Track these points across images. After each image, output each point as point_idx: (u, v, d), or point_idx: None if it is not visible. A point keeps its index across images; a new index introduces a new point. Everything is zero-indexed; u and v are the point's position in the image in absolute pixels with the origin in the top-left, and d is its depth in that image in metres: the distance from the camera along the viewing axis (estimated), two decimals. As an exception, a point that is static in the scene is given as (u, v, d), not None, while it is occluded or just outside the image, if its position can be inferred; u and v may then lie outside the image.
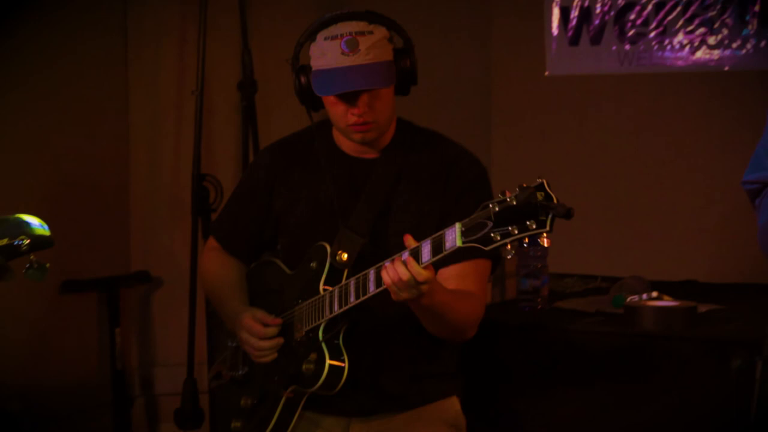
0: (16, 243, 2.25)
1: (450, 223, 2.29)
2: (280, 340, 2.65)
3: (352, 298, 2.47)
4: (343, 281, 2.56)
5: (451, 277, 2.57)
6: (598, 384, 3.33)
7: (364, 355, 2.61)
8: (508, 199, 2.16)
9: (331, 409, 2.67)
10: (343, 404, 2.65)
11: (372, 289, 2.43)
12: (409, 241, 2.33)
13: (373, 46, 2.52)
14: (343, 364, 2.53)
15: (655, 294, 3.50)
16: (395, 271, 2.31)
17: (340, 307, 2.51)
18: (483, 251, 2.24)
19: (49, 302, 4.12)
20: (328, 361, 2.53)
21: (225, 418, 2.79)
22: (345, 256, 2.56)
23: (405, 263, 2.30)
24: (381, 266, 2.39)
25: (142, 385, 4.49)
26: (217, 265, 2.87)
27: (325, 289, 2.56)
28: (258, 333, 2.65)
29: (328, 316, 2.54)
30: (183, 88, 4.32)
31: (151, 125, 4.40)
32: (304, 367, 2.58)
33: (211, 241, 2.90)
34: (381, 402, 2.66)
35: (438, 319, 2.49)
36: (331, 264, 2.57)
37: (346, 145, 2.69)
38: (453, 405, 2.73)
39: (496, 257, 2.58)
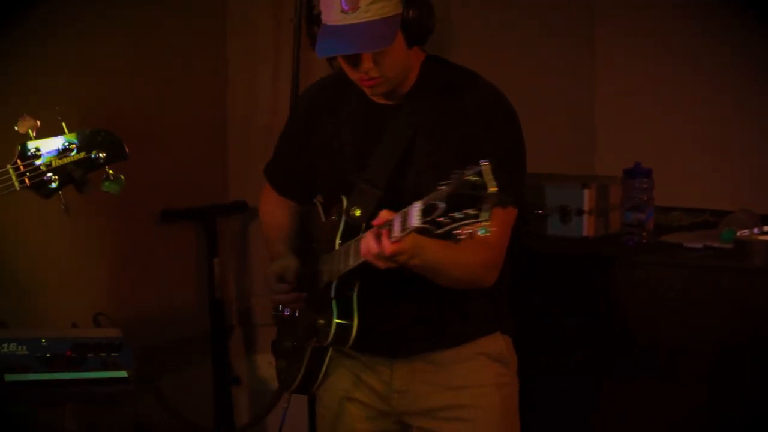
0: (93, 156, 2.34)
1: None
2: (301, 296, 2.71)
3: (351, 261, 2.46)
4: (351, 240, 2.53)
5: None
6: (704, 321, 3.30)
7: (402, 301, 2.63)
8: (449, 183, 2.11)
9: (376, 350, 2.69)
10: (387, 346, 2.68)
11: (351, 262, 2.47)
12: (384, 214, 2.29)
13: (375, 1, 2.42)
14: (350, 322, 2.53)
15: (766, 228, 3.45)
16: (366, 243, 2.31)
17: (345, 267, 2.50)
18: (505, 200, 2.29)
19: (148, 232, 4.13)
20: (335, 320, 2.53)
21: (274, 353, 2.90)
22: (358, 212, 2.55)
23: (377, 237, 2.28)
24: (349, 243, 2.44)
25: (240, 315, 4.48)
26: (270, 206, 2.91)
27: (340, 245, 2.56)
28: (272, 288, 2.75)
29: (338, 273, 2.54)
30: (281, 17, 4.27)
31: (249, 53, 4.36)
32: (318, 322, 2.60)
33: (267, 183, 2.93)
34: (422, 343, 2.67)
35: (437, 276, 2.47)
36: (346, 220, 2.56)
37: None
38: (496, 341, 2.72)
39: (520, 204, 2.57)
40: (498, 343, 2.70)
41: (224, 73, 4.33)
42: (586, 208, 3.68)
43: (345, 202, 2.57)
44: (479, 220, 2.05)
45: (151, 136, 3.91)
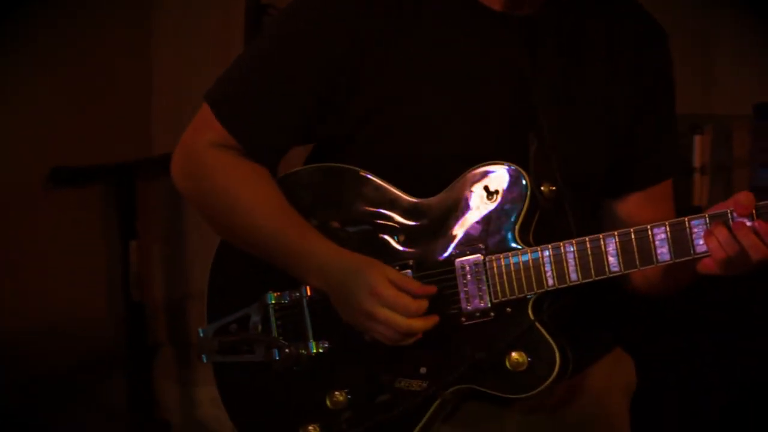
0: None
1: (647, 120, 2.24)
2: (435, 319, 2.25)
3: (573, 275, 2.18)
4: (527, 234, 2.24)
5: (656, 199, 2.31)
6: None
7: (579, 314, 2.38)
8: None
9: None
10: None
11: (614, 266, 2.13)
12: (745, 198, 2.01)
13: None
14: (564, 351, 2.21)
15: None
16: (736, 242, 1.97)
17: (559, 280, 2.19)
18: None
19: (33, 200, 3.72)
20: (557, 355, 2.17)
21: (269, 416, 2.34)
22: (551, 187, 2.25)
23: (756, 230, 1.99)
24: (628, 235, 2.11)
25: (171, 328, 4.13)
26: (254, 176, 2.32)
27: (524, 243, 2.24)
28: (408, 308, 2.22)
29: (544, 287, 2.23)
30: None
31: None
32: (508, 362, 2.22)
33: (216, 133, 2.28)
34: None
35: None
36: (530, 203, 2.23)
37: None
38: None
39: None
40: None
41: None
42: (696, 164, 3.35)
43: (527, 178, 2.23)
44: None
45: (39, 65, 3.58)
